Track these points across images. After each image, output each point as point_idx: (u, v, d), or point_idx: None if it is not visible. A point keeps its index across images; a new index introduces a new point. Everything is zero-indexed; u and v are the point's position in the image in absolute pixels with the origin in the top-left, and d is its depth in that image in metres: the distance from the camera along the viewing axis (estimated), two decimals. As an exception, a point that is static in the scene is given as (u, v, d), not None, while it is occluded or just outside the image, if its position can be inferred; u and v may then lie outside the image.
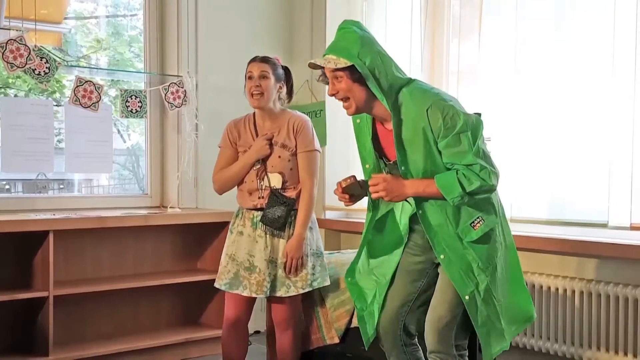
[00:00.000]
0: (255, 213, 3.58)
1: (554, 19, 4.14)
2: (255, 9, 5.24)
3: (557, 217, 4.07)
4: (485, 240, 2.88)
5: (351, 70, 2.78)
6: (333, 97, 2.89)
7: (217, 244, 4.72)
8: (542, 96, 4.13)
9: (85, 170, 4.79)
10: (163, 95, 4.66)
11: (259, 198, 3.58)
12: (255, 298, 3.62)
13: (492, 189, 2.82)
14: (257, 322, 4.65)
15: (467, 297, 2.84)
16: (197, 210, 4.87)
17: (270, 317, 3.75)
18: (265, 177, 3.57)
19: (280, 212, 3.52)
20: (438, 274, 3.01)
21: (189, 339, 4.59)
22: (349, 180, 2.92)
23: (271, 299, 3.64)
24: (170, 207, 4.71)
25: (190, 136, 4.80)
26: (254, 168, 3.59)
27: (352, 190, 2.93)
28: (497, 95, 4.32)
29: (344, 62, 2.77)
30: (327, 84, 2.90)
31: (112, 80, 4.83)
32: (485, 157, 2.80)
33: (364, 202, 3.08)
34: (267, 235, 3.55)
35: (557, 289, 3.94)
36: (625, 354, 3.71)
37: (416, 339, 3.12)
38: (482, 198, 2.85)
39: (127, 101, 4.51)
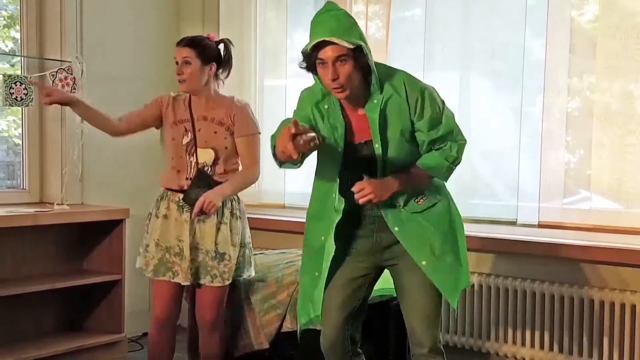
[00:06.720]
0: (181, 196, 3.38)
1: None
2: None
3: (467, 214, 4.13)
4: (431, 211, 2.87)
5: (355, 53, 2.65)
6: (331, 82, 2.68)
7: (107, 242, 4.41)
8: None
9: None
10: (51, 82, 4.23)
11: (186, 179, 3.38)
12: (182, 293, 3.45)
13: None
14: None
15: (423, 262, 2.80)
16: (84, 207, 4.48)
17: (193, 322, 3.54)
18: (195, 153, 3.37)
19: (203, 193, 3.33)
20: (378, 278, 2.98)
21: (78, 347, 4.21)
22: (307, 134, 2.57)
23: (196, 299, 3.45)
24: (57, 204, 4.29)
25: (79, 128, 4.41)
26: (184, 143, 3.39)
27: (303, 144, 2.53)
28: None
29: (351, 44, 2.63)
30: (309, 70, 2.74)
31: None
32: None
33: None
34: (192, 220, 3.35)
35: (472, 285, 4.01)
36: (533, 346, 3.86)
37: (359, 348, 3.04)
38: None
39: (11, 88, 4.05)
